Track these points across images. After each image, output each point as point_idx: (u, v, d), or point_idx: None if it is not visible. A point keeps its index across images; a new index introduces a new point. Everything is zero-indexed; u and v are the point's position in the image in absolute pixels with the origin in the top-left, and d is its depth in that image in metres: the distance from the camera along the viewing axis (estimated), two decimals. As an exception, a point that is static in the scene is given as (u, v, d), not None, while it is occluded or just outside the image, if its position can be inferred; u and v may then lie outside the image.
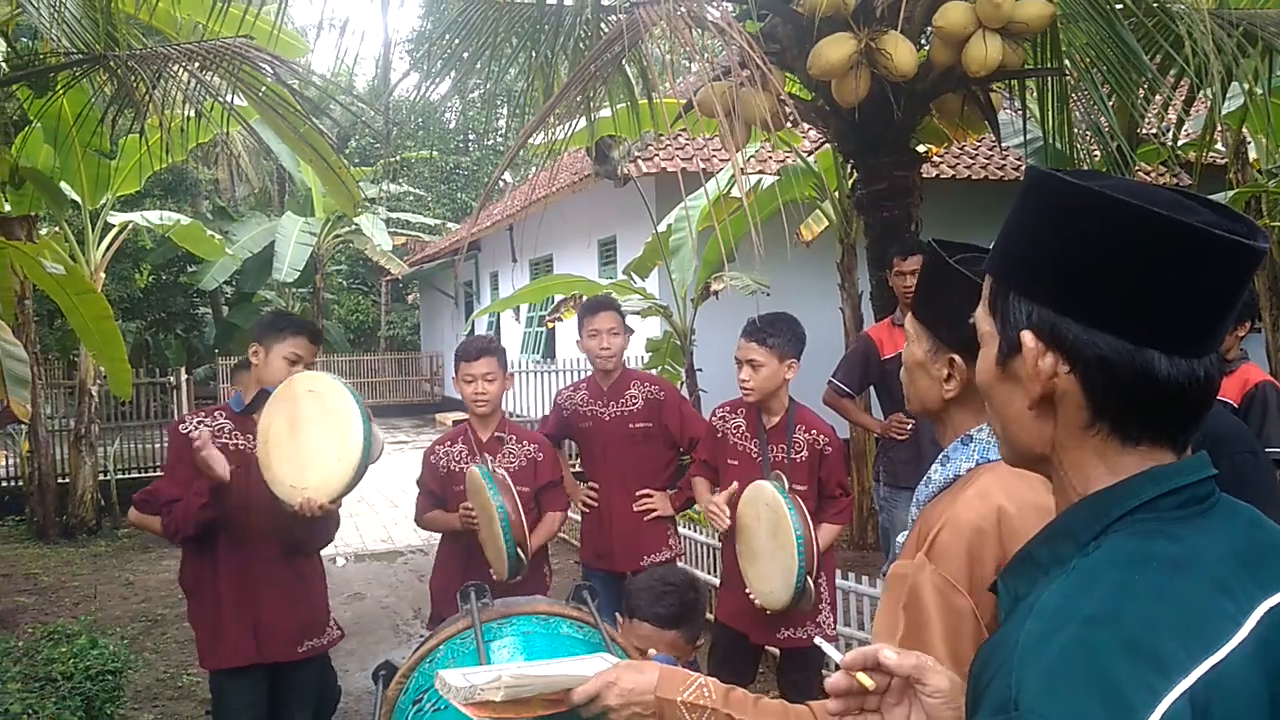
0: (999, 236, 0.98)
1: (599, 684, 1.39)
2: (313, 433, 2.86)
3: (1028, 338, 0.91)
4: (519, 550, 3.20)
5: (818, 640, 1.23)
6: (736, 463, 3.57)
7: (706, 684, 1.40)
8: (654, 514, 3.98)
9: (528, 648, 1.75)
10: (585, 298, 7.02)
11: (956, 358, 1.43)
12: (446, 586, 3.60)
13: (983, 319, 1.00)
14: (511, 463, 3.62)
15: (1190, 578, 0.82)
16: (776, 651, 3.91)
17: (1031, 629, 0.81)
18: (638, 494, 3.99)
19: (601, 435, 4.04)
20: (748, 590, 3.28)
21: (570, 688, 1.38)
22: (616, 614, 2.48)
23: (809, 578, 3.03)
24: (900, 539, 1.56)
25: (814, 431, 3.51)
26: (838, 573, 4.49)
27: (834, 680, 1.04)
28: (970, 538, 1.30)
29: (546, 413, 4.46)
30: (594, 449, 4.09)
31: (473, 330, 17.88)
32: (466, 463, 3.57)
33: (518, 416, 11.39)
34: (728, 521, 3.37)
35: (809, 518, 3.10)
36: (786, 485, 3.22)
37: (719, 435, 3.67)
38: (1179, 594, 0.81)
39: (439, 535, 3.85)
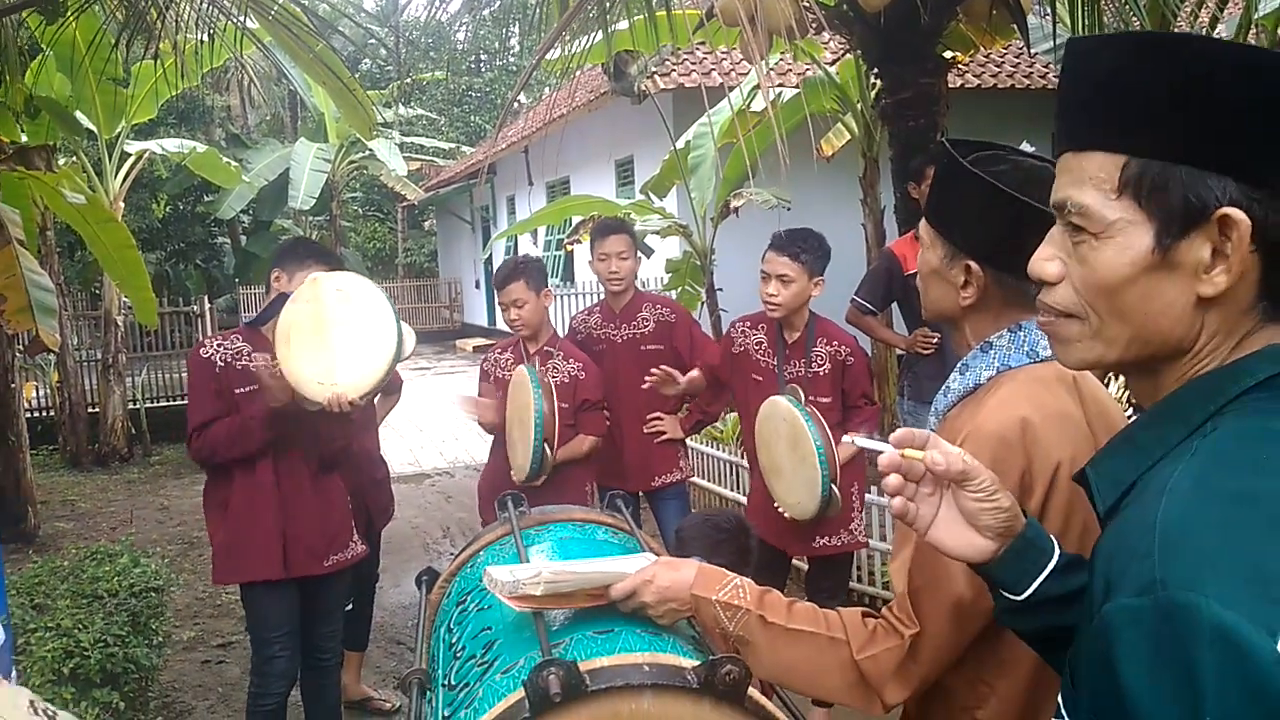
0: (1122, 108, 0.89)
1: (636, 581, 1.41)
2: (342, 330, 2.88)
3: (1238, 214, 0.83)
4: (545, 447, 3.26)
5: (856, 440, 1.22)
6: (761, 379, 3.57)
7: (742, 585, 1.41)
8: (664, 437, 4.02)
9: (564, 552, 1.78)
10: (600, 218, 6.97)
11: (973, 264, 1.38)
12: (493, 488, 3.74)
13: (1108, 206, 0.89)
14: (555, 377, 3.67)
15: None
16: (804, 566, 3.97)
17: (1169, 511, 0.80)
18: (648, 417, 4.03)
19: (614, 357, 4.06)
20: (776, 505, 3.31)
21: (609, 584, 1.41)
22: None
23: (833, 486, 3.06)
24: None
25: (835, 343, 3.50)
26: (873, 489, 4.53)
27: (886, 457, 1.04)
28: (994, 449, 1.27)
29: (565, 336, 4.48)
30: (607, 371, 4.10)
31: (491, 256, 17.84)
32: (512, 371, 3.66)
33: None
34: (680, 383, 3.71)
35: (828, 429, 3.12)
36: (802, 399, 3.23)
37: (739, 350, 3.65)
38: None
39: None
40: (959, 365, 1.45)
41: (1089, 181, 0.90)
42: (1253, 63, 0.85)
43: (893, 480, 1.06)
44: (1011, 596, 1.06)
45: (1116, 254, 0.90)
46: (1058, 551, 1.06)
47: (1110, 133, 0.90)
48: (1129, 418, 1.30)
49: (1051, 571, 1.05)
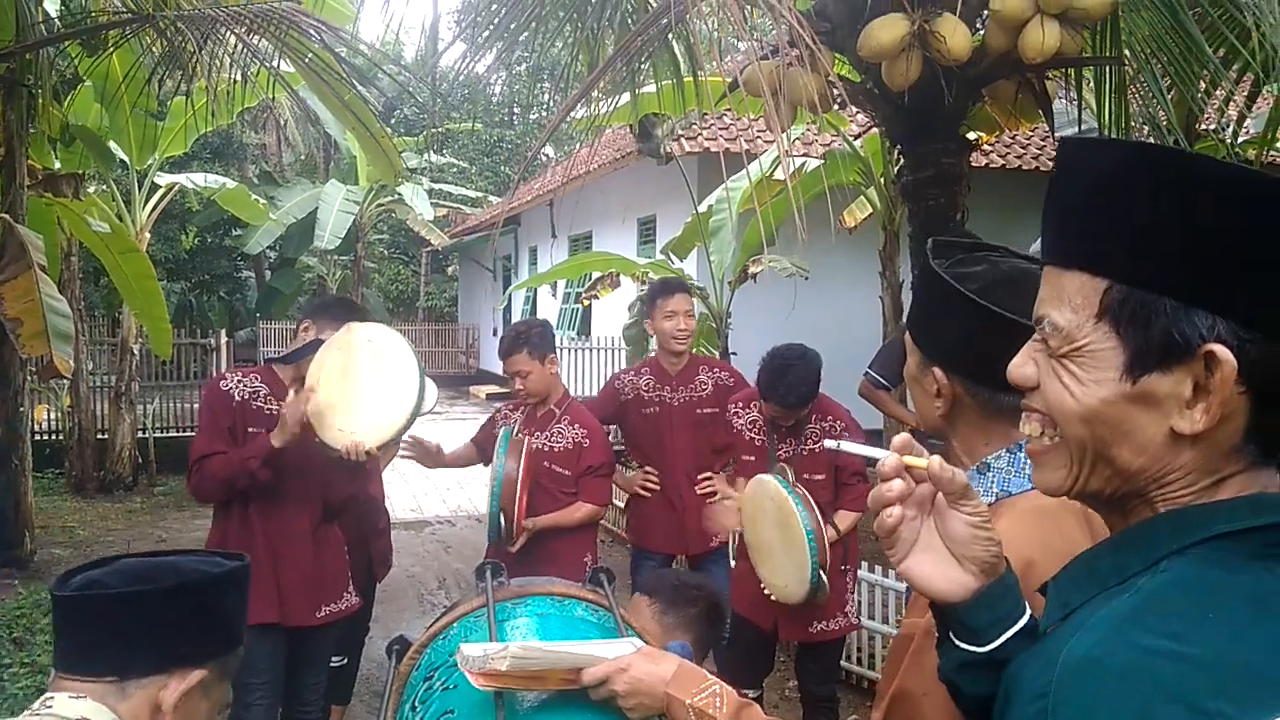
0: (1107, 229, 0.83)
1: (611, 668, 1.33)
2: (367, 379, 2.88)
3: (1224, 353, 0.77)
4: (502, 515, 3.20)
5: (842, 445, 1.08)
6: (753, 458, 3.52)
7: (721, 693, 1.31)
8: (717, 497, 3.94)
9: (542, 628, 1.71)
10: (656, 277, 6.94)
11: (938, 370, 1.31)
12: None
13: (1082, 329, 0.85)
14: (557, 442, 3.58)
15: (1274, 622, 0.74)
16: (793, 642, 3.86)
17: (1077, 647, 0.75)
18: (699, 478, 3.94)
19: (668, 420, 3.98)
20: (762, 585, 3.22)
21: (582, 666, 1.34)
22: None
23: (822, 572, 2.97)
24: None
25: (830, 418, 3.44)
26: (864, 565, 4.43)
27: (890, 462, 0.94)
28: None
29: (588, 391, 4.43)
30: (656, 433, 3.99)
31: (509, 305, 17.89)
32: (519, 429, 3.61)
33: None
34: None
35: (817, 511, 3.04)
36: (791, 479, 3.15)
37: (734, 430, 3.62)
38: (1257, 639, 0.72)
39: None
40: None
41: (1067, 302, 0.86)
42: (1254, 193, 0.78)
43: (898, 484, 0.94)
44: (973, 649, 0.95)
45: (1087, 378, 0.84)
46: (1027, 611, 0.98)
47: (1093, 254, 0.84)
48: None
49: (1020, 629, 0.96)
